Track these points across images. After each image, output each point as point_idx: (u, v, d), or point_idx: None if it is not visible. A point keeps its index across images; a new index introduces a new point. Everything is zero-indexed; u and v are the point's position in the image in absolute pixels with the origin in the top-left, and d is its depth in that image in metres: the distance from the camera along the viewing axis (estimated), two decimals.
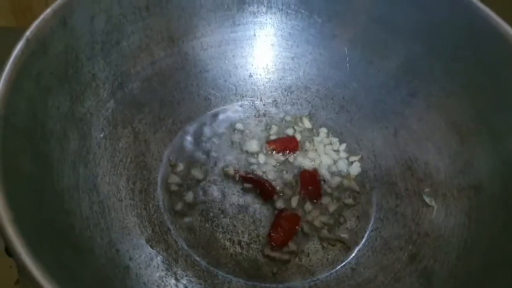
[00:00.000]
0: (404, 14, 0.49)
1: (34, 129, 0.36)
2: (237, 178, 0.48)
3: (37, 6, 0.73)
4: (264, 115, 0.54)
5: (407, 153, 0.50)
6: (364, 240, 0.46)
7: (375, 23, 0.51)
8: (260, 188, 0.48)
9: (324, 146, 0.52)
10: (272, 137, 0.52)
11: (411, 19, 0.49)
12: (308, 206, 0.47)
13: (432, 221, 0.45)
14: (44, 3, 0.72)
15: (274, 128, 0.53)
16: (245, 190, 0.48)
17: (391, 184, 0.49)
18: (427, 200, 0.46)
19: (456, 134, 0.46)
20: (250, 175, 0.48)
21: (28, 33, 0.37)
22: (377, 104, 0.52)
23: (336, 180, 0.49)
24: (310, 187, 0.48)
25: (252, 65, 0.55)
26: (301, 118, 0.54)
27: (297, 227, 0.46)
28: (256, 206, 0.47)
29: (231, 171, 0.49)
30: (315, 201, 0.48)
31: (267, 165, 0.50)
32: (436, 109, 0.48)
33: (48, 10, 0.39)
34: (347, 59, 0.53)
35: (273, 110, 0.55)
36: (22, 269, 0.27)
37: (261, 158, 0.50)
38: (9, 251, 0.40)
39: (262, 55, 0.55)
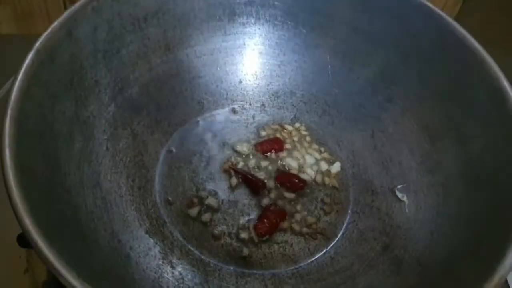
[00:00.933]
0: (382, 26, 0.51)
1: (43, 131, 0.37)
2: (232, 174, 0.51)
3: (38, 13, 0.74)
4: (253, 118, 0.57)
5: (383, 153, 0.52)
6: (342, 231, 0.48)
7: (355, 33, 0.53)
8: (250, 183, 0.50)
9: (307, 146, 0.55)
10: (261, 139, 0.54)
11: (388, 30, 0.51)
12: (291, 201, 0.50)
13: (403, 215, 0.47)
14: (45, 11, 0.75)
15: (262, 130, 0.55)
16: (235, 187, 0.50)
17: (367, 182, 0.51)
18: (400, 196, 0.48)
19: (427, 137, 0.49)
20: (243, 171, 0.51)
21: (37, 44, 0.38)
22: (356, 108, 0.54)
23: (318, 177, 0.52)
24: (288, 184, 0.51)
25: (242, 71, 0.57)
26: (286, 121, 0.57)
27: (282, 221, 0.48)
28: (245, 201, 0.49)
29: (226, 166, 0.51)
30: (294, 195, 0.50)
31: (256, 164, 0.52)
32: (410, 114, 0.50)
33: (56, 23, 0.40)
34: (329, 66, 0.55)
35: (261, 113, 0.57)
36: (39, 255, 0.29)
37: (251, 158, 0.53)
38: (21, 241, 0.43)
39: (251, 63, 0.57)
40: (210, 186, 0.50)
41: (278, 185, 0.51)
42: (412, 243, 0.44)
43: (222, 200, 0.49)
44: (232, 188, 0.50)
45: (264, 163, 0.53)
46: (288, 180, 0.51)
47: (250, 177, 0.51)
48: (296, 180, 0.51)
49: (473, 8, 0.81)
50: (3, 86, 0.66)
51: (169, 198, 0.49)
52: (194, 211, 0.48)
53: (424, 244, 0.43)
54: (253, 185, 0.50)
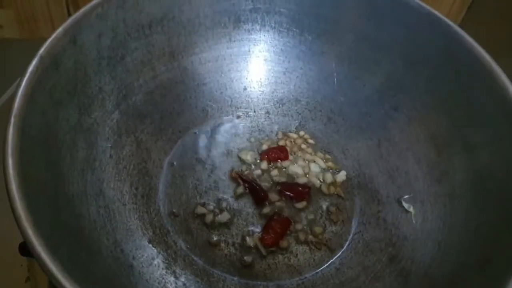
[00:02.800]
0: (389, 33, 0.51)
1: (46, 139, 0.37)
2: (240, 182, 0.50)
3: (41, 17, 0.74)
4: (258, 125, 0.56)
5: (389, 162, 0.51)
6: (347, 242, 0.48)
7: (361, 41, 0.53)
8: (254, 193, 0.50)
9: (312, 155, 0.54)
10: (265, 146, 0.54)
11: (395, 38, 0.50)
12: (296, 210, 0.49)
13: (410, 225, 0.46)
14: (48, 15, 0.75)
15: (267, 138, 0.55)
16: (238, 196, 0.50)
17: (373, 191, 0.51)
18: (406, 206, 0.48)
19: (434, 146, 0.48)
20: (249, 180, 0.50)
21: (42, 50, 0.38)
22: (362, 116, 0.54)
23: (324, 186, 0.51)
24: (292, 194, 0.50)
25: (246, 78, 0.57)
26: (291, 129, 0.56)
27: (287, 230, 0.47)
28: (249, 210, 0.49)
29: (234, 174, 0.51)
30: (299, 204, 0.50)
31: (260, 173, 0.52)
32: (417, 122, 0.50)
33: (60, 29, 0.40)
34: (335, 74, 0.55)
35: (265, 121, 0.57)
36: (41, 266, 0.28)
37: (255, 167, 0.52)
38: (23, 250, 0.43)
39: (256, 70, 0.57)
40: (214, 194, 0.50)
41: (282, 196, 0.50)
42: (419, 254, 0.44)
43: (226, 208, 0.49)
44: (236, 197, 0.50)
45: (268, 172, 0.52)
46: (292, 190, 0.50)
47: (255, 185, 0.50)
48: (300, 188, 0.51)
49: (477, 17, 0.81)
50: (6, 90, 0.66)
51: (174, 210, 0.48)
52: (208, 218, 0.48)
53: (432, 255, 0.43)
54: (257, 195, 0.50)
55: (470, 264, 0.39)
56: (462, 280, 0.38)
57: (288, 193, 0.50)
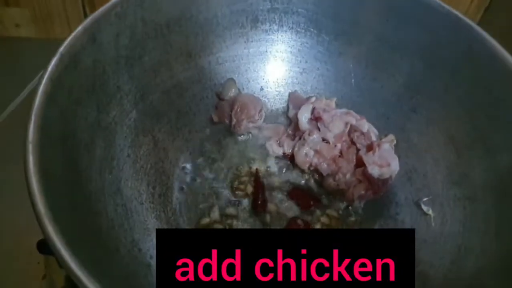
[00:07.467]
0: (408, 34, 0.50)
1: (65, 137, 0.37)
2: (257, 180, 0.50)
3: (57, 17, 0.75)
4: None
5: (407, 164, 0.51)
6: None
7: (380, 42, 0.52)
8: (255, 197, 0.49)
9: None
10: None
11: (415, 39, 0.50)
12: (316, 214, 0.49)
13: (429, 228, 0.46)
14: (64, 14, 0.75)
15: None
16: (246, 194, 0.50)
17: (392, 193, 0.50)
18: (425, 209, 0.47)
19: (453, 148, 0.48)
20: (258, 182, 0.50)
21: (61, 48, 0.38)
22: (380, 117, 0.53)
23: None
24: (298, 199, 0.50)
25: (263, 79, 0.57)
26: None
27: None
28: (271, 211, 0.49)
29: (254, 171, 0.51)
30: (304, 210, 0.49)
31: (273, 174, 0.52)
32: (436, 124, 0.50)
33: (79, 28, 0.40)
34: (352, 75, 0.55)
35: (281, 120, 0.57)
36: (60, 263, 0.29)
37: (268, 168, 0.52)
38: (41, 248, 0.43)
39: (273, 70, 0.57)
40: (229, 194, 0.50)
41: (292, 200, 0.50)
42: (438, 258, 0.43)
43: (243, 209, 0.49)
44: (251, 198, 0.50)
45: (281, 173, 0.52)
46: (301, 198, 0.50)
47: (258, 191, 0.50)
48: (311, 201, 0.50)
49: (494, 17, 0.80)
50: (21, 88, 0.66)
51: (190, 210, 0.48)
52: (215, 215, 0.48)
53: (451, 259, 0.42)
54: (255, 201, 0.49)
55: (491, 269, 0.39)
56: (482, 285, 0.38)
57: (295, 200, 0.50)
